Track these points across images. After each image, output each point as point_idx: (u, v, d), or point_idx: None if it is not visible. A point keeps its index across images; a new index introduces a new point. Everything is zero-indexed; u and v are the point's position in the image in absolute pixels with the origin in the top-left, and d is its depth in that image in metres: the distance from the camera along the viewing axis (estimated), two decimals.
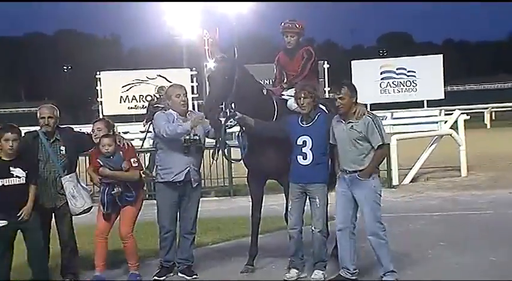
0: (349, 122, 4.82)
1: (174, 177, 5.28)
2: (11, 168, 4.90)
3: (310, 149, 4.99)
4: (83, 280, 5.39)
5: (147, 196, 7.00)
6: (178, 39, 30.43)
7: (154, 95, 12.49)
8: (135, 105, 26.51)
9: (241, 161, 5.51)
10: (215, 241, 6.72)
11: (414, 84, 29.37)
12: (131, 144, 5.52)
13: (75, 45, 63.60)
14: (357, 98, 4.85)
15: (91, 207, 5.32)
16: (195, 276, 5.40)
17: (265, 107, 5.31)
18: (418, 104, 29.00)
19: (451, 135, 11.59)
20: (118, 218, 5.31)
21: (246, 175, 5.65)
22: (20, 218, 4.88)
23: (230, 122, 5.16)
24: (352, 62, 29.63)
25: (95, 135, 5.32)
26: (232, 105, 5.06)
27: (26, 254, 5.03)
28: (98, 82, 26.44)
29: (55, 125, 5.28)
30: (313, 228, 5.07)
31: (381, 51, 58.21)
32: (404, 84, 29.50)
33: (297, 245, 5.16)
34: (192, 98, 23.52)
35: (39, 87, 62.91)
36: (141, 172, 5.51)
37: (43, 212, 5.16)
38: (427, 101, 28.79)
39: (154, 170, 5.81)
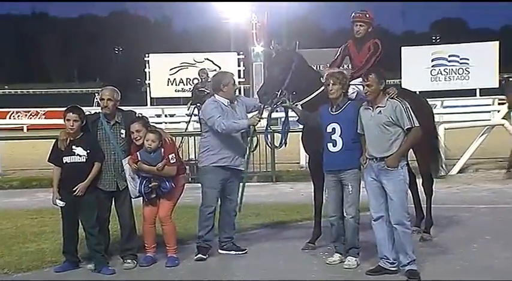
0: (378, 106, 4.88)
1: (224, 161, 5.44)
2: (74, 147, 5.10)
3: (340, 136, 5.03)
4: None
5: (189, 179, 7.09)
6: (227, 23, 30.47)
7: (201, 78, 12.54)
8: (182, 89, 26.77)
9: (282, 147, 5.77)
10: (254, 227, 6.72)
11: (467, 72, 28.44)
12: (172, 140, 5.55)
13: (126, 27, 64.72)
14: (385, 85, 4.92)
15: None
16: (245, 250, 5.64)
17: (322, 95, 5.38)
18: (471, 93, 28.13)
19: (503, 125, 11.21)
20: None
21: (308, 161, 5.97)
22: (75, 194, 5.05)
23: (278, 106, 5.45)
24: (402, 48, 28.88)
25: (135, 138, 5.28)
26: (285, 93, 5.37)
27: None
28: (147, 64, 26.86)
29: (114, 108, 5.32)
30: (345, 214, 5.12)
31: (434, 38, 56.63)
32: (456, 72, 28.60)
33: (338, 232, 5.26)
34: (239, 82, 23.59)
35: (91, 68, 64.34)
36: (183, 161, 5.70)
37: (103, 194, 5.28)
38: (480, 89, 27.87)
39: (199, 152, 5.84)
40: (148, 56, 27.12)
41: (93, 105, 22.09)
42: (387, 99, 4.88)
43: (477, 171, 10.89)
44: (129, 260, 5.36)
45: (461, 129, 11.64)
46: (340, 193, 5.15)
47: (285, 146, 5.84)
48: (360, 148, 5.05)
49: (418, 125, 4.82)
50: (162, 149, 5.28)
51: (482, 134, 11.14)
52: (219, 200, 5.62)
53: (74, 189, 5.05)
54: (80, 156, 5.10)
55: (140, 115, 5.50)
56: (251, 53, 27.44)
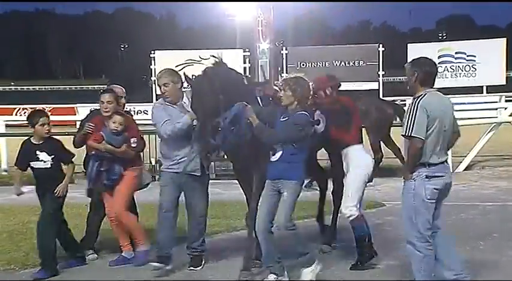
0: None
1: (177, 167, 5.03)
2: (38, 152, 5.05)
3: (280, 146, 4.54)
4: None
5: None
6: (232, 20, 30.45)
7: None
8: (188, 85, 26.78)
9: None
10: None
11: (473, 69, 28.31)
12: (135, 122, 5.52)
13: (132, 24, 64.89)
14: (421, 80, 4.17)
15: (147, 184, 5.59)
16: (199, 267, 5.12)
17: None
18: (478, 90, 27.99)
19: (510, 122, 11.13)
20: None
21: None
22: (57, 195, 5.05)
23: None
24: (409, 45, 28.78)
25: (105, 109, 5.23)
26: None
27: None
28: (152, 61, 26.88)
29: (114, 110, 5.30)
30: (275, 223, 4.53)
31: (440, 35, 56.40)
32: (463, 69, 28.48)
33: (268, 247, 4.61)
34: None
35: (96, 65, 64.51)
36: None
37: (98, 194, 5.37)
38: (487, 86, 27.73)
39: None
40: (154, 53, 27.15)
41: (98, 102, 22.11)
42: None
43: (484, 168, 10.84)
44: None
45: (468, 126, 11.55)
46: (275, 204, 4.54)
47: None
48: (301, 159, 4.53)
49: (416, 136, 4.02)
50: (126, 133, 5.25)
51: (489, 132, 11.07)
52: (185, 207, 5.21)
53: (54, 191, 5.01)
54: (45, 162, 5.04)
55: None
56: (257, 50, 27.40)
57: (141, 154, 5.88)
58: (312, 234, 5.74)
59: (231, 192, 8.03)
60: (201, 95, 4.62)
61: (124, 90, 5.65)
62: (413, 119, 3.99)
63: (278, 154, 4.55)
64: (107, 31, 67.25)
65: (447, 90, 27.66)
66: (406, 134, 4.02)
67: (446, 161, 4.17)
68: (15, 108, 27.52)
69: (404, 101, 27.24)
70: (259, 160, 4.69)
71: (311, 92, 4.67)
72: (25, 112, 26.98)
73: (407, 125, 4.01)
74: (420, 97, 4.07)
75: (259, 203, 4.63)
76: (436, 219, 4.25)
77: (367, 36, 54.62)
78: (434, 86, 4.20)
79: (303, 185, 4.67)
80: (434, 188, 4.09)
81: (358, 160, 5.02)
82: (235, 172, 5.30)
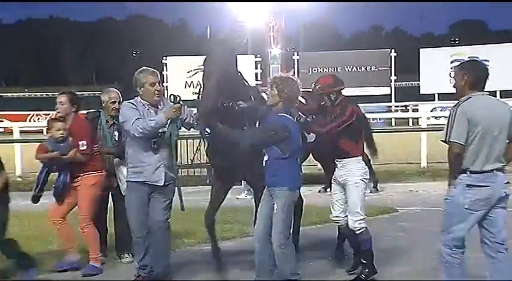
0: None
1: (142, 177, 4.65)
2: None
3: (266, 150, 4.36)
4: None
5: (207, 181, 6.95)
6: (244, 26, 30.56)
7: None
8: (199, 91, 26.86)
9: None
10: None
11: None
12: (86, 124, 5.30)
13: (144, 30, 65.43)
14: (470, 83, 3.96)
15: None
16: None
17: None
18: (491, 94, 27.76)
19: None
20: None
21: None
22: None
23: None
24: (421, 50, 28.74)
25: (57, 110, 5.15)
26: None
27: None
28: (164, 67, 27.05)
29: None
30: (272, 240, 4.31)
31: (453, 40, 56.17)
32: None
33: (261, 259, 4.42)
34: (256, 85, 23.63)
35: (109, 71, 65.04)
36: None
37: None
38: (501, 91, 27.53)
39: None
40: (166, 59, 27.31)
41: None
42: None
43: None
44: (126, 255, 5.47)
45: None
46: (270, 212, 4.33)
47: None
48: (290, 165, 4.28)
49: (454, 140, 3.80)
50: (71, 138, 5.10)
51: None
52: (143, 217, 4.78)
53: None
54: None
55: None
56: (268, 55, 27.50)
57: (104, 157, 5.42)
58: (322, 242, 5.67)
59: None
60: (221, 73, 4.39)
61: (120, 95, 5.52)
62: (452, 124, 3.79)
63: (266, 157, 4.33)
64: (119, 38, 67.93)
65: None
66: (445, 139, 3.83)
67: (497, 169, 3.83)
68: (28, 115, 27.80)
69: (417, 105, 27.26)
70: (251, 162, 4.45)
71: (299, 94, 4.47)
72: (38, 118, 27.28)
73: (446, 130, 3.82)
74: (462, 101, 3.86)
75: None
76: (496, 234, 3.92)
77: (379, 42, 54.52)
78: (447, 91, 4.12)
79: (323, 189, 4.42)
80: (476, 199, 3.81)
81: (359, 171, 4.76)
82: (214, 170, 5.12)
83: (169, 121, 4.55)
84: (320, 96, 4.86)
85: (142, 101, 4.67)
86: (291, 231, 4.75)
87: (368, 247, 4.76)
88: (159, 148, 4.61)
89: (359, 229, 4.72)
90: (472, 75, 3.93)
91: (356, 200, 4.70)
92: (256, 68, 26.28)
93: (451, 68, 28.20)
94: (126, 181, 4.81)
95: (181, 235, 6.26)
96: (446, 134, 3.81)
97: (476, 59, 4.08)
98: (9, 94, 42.50)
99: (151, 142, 4.59)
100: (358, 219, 4.70)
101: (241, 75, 4.75)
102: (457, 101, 3.89)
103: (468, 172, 3.81)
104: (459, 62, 4.07)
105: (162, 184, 4.68)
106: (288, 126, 4.26)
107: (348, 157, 4.75)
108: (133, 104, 4.65)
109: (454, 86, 3.99)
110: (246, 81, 4.86)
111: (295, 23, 34.21)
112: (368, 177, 4.86)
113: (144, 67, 4.81)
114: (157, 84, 4.69)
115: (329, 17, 58.19)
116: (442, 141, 3.87)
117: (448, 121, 3.83)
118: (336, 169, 4.82)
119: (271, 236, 4.26)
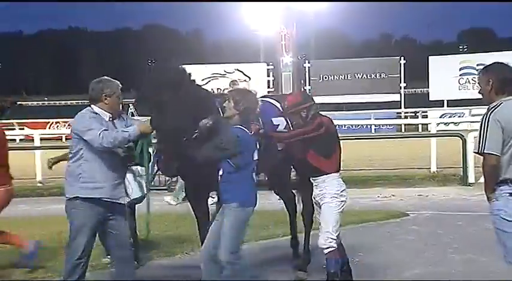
0: None
1: (100, 192, 4.19)
2: None
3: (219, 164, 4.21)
4: None
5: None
6: (256, 35, 31.20)
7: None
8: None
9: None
10: (286, 233, 5.98)
11: None
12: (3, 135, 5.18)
13: (160, 39, 66.29)
14: (497, 88, 3.68)
15: (143, 197, 5.25)
16: None
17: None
18: None
19: None
20: None
21: None
22: None
23: None
24: (430, 57, 29.07)
25: None
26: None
27: None
28: None
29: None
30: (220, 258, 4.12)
31: (461, 47, 56.41)
32: None
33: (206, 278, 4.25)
34: (268, 92, 24.21)
35: (125, 80, 65.59)
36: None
37: None
38: None
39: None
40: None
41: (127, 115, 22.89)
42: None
43: None
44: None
45: None
46: (218, 229, 4.19)
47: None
48: (243, 179, 4.12)
49: (488, 152, 3.54)
50: None
51: None
52: (102, 236, 4.40)
53: None
54: None
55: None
56: (280, 63, 28.07)
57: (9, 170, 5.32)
58: (284, 256, 5.54)
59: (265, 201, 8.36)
60: (163, 109, 4.12)
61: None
62: (485, 133, 3.51)
63: (220, 173, 4.17)
64: (135, 47, 68.78)
65: (469, 102, 28.06)
66: (479, 150, 3.55)
67: None
68: (48, 122, 28.52)
69: (426, 112, 27.64)
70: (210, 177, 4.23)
71: (257, 106, 4.33)
72: (57, 126, 27.99)
73: (479, 141, 3.54)
74: (492, 108, 3.58)
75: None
76: None
77: (388, 49, 54.92)
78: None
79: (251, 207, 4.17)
80: None
81: (335, 188, 4.51)
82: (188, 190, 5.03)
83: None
84: (291, 116, 4.70)
85: (104, 111, 4.27)
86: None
87: (332, 268, 4.47)
88: (123, 163, 4.30)
89: (326, 248, 4.46)
90: (498, 79, 3.64)
91: (328, 219, 4.48)
92: (268, 75, 26.81)
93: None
94: (70, 199, 4.24)
95: (178, 241, 6.36)
96: (480, 145, 3.54)
97: (500, 61, 3.88)
98: (30, 103, 43.23)
99: (117, 155, 4.22)
100: (329, 237, 4.45)
101: (199, 86, 4.69)
102: (487, 108, 3.62)
103: (510, 183, 3.56)
104: (483, 66, 3.82)
105: (124, 201, 4.43)
106: (241, 139, 4.10)
107: (321, 175, 4.52)
108: (96, 113, 4.25)
109: (479, 92, 3.74)
110: (206, 90, 4.85)
111: (306, 32, 34.79)
112: (346, 195, 4.58)
113: (106, 77, 4.47)
114: (120, 95, 4.41)
115: (339, 25, 58.86)
116: (475, 152, 3.63)
117: (480, 130, 3.55)
118: (314, 187, 4.63)
119: (220, 257, 4.07)
